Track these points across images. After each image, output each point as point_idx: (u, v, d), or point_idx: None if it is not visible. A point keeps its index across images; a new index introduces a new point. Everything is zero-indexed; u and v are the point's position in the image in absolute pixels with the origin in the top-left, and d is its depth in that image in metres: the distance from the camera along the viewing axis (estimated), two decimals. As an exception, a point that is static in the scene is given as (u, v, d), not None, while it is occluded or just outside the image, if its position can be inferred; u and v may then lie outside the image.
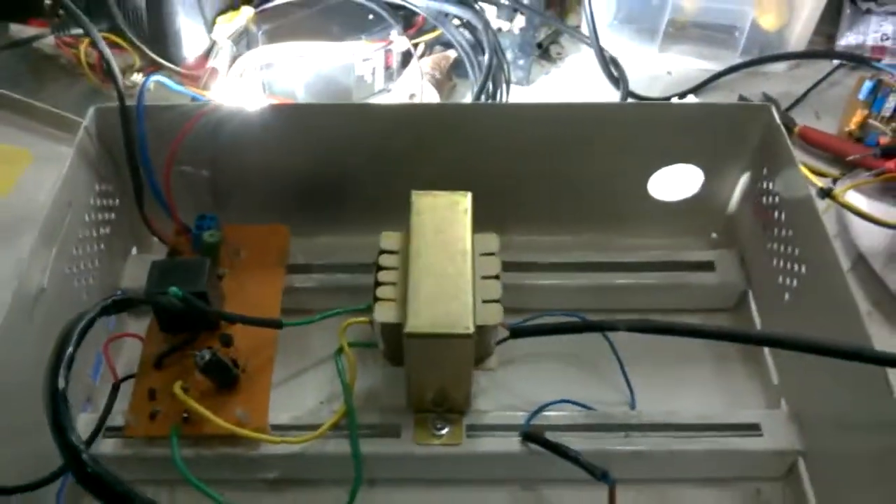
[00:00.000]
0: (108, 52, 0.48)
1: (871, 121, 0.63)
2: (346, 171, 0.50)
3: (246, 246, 0.50)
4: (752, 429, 0.41)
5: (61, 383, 0.33)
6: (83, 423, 0.43)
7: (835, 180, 0.60)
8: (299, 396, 0.47)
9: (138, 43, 0.66)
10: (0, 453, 0.37)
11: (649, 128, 0.47)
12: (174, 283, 0.41)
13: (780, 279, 0.44)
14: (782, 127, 0.44)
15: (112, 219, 0.50)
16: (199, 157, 0.49)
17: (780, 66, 0.72)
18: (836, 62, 0.72)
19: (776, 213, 0.45)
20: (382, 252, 0.42)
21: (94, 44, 0.65)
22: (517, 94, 0.68)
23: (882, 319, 0.52)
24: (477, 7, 0.69)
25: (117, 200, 0.50)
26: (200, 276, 0.43)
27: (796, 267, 0.42)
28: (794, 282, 0.42)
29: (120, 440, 0.42)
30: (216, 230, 0.48)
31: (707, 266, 0.49)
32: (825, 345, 0.33)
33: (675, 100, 0.66)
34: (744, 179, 0.49)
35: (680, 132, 0.47)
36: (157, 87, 0.53)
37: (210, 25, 0.67)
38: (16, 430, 0.38)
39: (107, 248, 0.49)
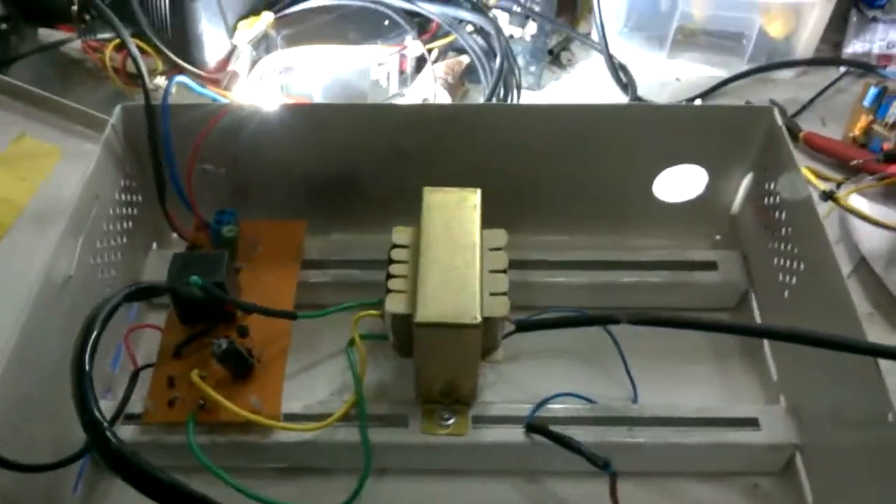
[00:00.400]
0: (135, 51, 0.50)
1: (875, 126, 0.64)
2: (360, 169, 0.52)
3: (263, 241, 0.51)
4: (751, 423, 0.42)
5: (87, 364, 0.34)
6: (103, 410, 0.44)
7: (839, 184, 0.61)
8: (311, 388, 0.48)
9: (162, 47, 0.68)
10: (25, 434, 0.38)
11: (655, 129, 0.48)
12: (194, 274, 0.43)
13: (781, 277, 0.45)
14: (784, 129, 0.45)
15: (135, 214, 0.52)
16: (219, 156, 0.50)
17: (787, 73, 0.73)
18: (842, 69, 0.73)
19: (777, 214, 0.46)
20: (394, 246, 0.44)
21: (118, 48, 0.68)
22: (528, 99, 0.70)
23: (883, 321, 0.53)
24: (490, 14, 0.71)
25: (140, 196, 0.52)
26: (219, 268, 0.45)
27: (796, 265, 0.43)
28: (794, 279, 0.44)
29: (138, 427, 0.44)
30: (234, 225, 0.50)
31: (710, 266, 0.50)
32: (820, 337, 0.34)
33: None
34: (747, 180, 0.50)
35: (685, 134, 0.48)
36: (180, 89, 0.55)
37: (231, 30, 0.69)
38: (40, 411, 0.40)
39: (129, 242, 0.51)
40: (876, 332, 0.52)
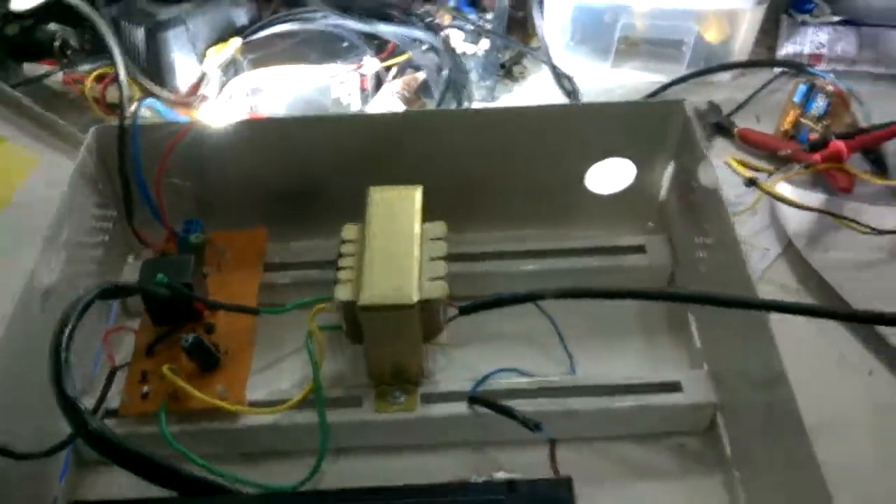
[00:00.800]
0: (123, 74, 0.55)
1: (802, 119, 0.68)
2: (317, 178, 0.56)
3: (228, 248, 0.55)
4: (674, 387, 0.46)
5: (64, 353, 0.38)
6: (85, 406, 0.48)
7: (770, 174, 0.65)
8: (276, 380, 0.52)
9: (137, 75, 0.73)
10: (13, 431, 0.42)
11: (582, 127, 0.52)
12: (161, 272, 0.47)
13: (698, 254, 0.49)
14: (695, 120, 0.49)
15: (109, 228, 0.56)
16: (185, 171, 0.55)
17: (724, 76, 0.78)
18: (776, 70, 0.78)
19: (693, 197, 0.50)
20: (343, 241, 0.48)
21: (98, 79, 0.73)
22: (481, 110, 0.74)
23: (807, 295, 0.56)
24: (444, 33, 0.75)
25: (114, 212, 0.56)
26: (186, 270, 0.49)
27: (708, 241, 0.47)
28: (706, 254, 0.48)
29: (115, 420, 0.47)
30: (200, 233, 0.54)
31: (639, 249, 0.54)
32: (713, 296, 0.38)
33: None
34: (669, 169, 0.54)
35: (610, 130, 0.53)
36: (152, 112, 0.60)
37: (201, 57, 0.74)
38: (27, 408, 0.43)
39: (105, 255, 0.55)
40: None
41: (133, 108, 0.70)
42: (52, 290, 0.46)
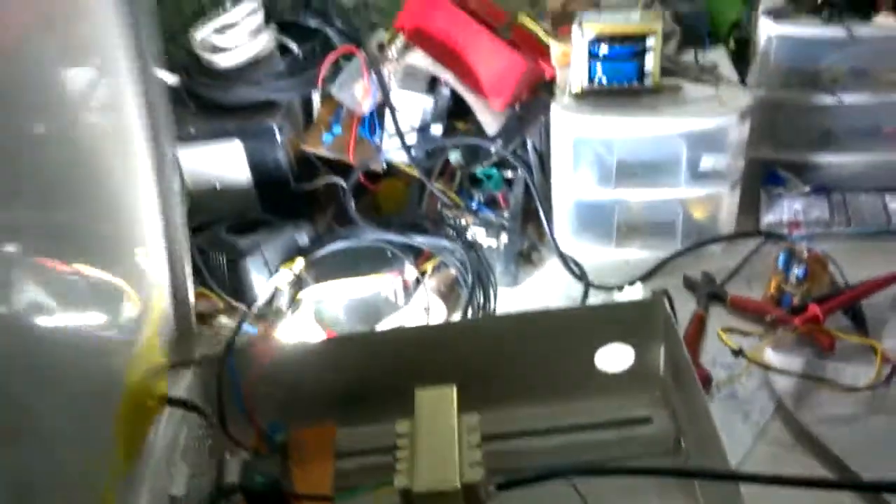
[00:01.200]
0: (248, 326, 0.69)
1: (783, 286, 0.79)
2: (375, 377, 0.68)
3: (305, 442, 0.68)
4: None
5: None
6: None
7: (760, 337, 0.75)
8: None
9: (221, 293, 0.89)
10: None
11: (588, 323, 0.64)
12: (257, 474, 0.59)
13: (692, 425, 0.59)
14: (671, 314, 0.61)
15: (211, 433, 0.69)
16: (271, 382, 0.68)
17: (716, 247, 0.90)
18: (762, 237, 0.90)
19: (679, 375, 0.61)
20: (398, 435, 0.59)
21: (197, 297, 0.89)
22: (507, 295, 0.87)
23: (804, 451, 0.64)
24: (468, 233, 0.90)
25: (213, 420, 0.69)
26: (275, 468, 0.61)
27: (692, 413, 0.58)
28: (697, 424, 0.58)
29: None
30: (283, 433, 0.66)
31: (646, 420, 0.64)
32: (690, 470, 0.48)
33: (626, 287, 0.84)
34: (662, 351, 0.65)
35: (610, 323, 0.64)
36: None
37: (274, 275, 0.89)
38: None
39: (208, 455, 0.67)
40: (799, 461, 0.64)
41: (221, 320, 0.87)
42: (180, 499, 0.58)
